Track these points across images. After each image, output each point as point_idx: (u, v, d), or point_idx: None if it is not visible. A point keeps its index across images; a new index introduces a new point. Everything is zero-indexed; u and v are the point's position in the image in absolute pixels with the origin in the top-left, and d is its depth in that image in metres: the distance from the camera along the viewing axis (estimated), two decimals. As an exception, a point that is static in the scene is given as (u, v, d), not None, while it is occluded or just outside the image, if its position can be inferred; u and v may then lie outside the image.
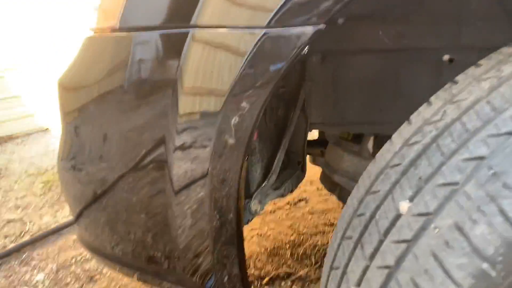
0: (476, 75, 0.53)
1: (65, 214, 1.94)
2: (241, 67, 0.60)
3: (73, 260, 1.59)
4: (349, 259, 0.55)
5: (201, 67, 0.65)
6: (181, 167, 0.73)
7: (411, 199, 0.48)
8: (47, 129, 3.22)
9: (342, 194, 1.27)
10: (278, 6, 0.55)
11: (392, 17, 0.91)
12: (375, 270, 0.49)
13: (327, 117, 1.07)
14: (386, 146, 0.59)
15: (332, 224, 1.72)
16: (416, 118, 0.57)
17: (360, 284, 0.51)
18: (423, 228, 0.45)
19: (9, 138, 3.01)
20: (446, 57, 0.92)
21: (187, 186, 0.75)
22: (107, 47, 0.80)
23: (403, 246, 0.46)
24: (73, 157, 0.96)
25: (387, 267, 0.47)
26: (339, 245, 0.59)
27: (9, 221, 1.91)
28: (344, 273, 0.56)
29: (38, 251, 1.66)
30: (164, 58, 0.70)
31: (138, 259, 0.95)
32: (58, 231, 1.77)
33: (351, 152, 1.19)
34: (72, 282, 1.47)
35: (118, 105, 0.80)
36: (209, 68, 0.64)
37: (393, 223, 0.49)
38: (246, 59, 0.59)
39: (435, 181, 0.46)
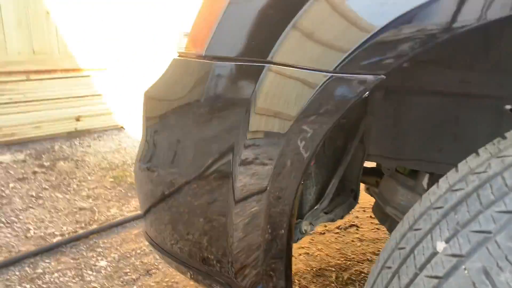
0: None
1: (130, 209, 2.10)
2: (308, 101, 0.68)
3: (133, 252, 1.74)
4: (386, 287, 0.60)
5: (274, 94, 0.74)
6: (244, 179, 0.82)
7: (447, 241, 0.53)
8: (121, 127, 3.47)
9: (392, 227, 1.30)
10: (343, 57, 0.62)
11: (457, 63, 0.95)
12: (408, 300, 0.54)
13: (385, 151, 1.12)
14: (433, 188, 0.64)
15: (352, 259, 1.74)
16: (463, 166, 0.62)
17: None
18: (454, 268, 0.50)
19: (88, 132, 3.29)
20: (508, 107, 0.94)
21: (246, 198, 0.84)
22: (191, 69, 0.92)
23: (435, 281, 0.51)
24: (149, 159, 1.08)
25: (418, 298, 0.52)
26: (379, 273, 0.65)
27: (81, 209, 2.10)
28: (380, 299, 0.61)
29: (103, 240, 1.83)
30: (242, 81, 0.80)
31: (193, 259, 1.05)
32: (123, 223, 1.93)
33: (405, 186, 1.22)
34: (131, 272, 1.61)
35: (194, 117, 0.91)
36: (280, 96, 0.73)
37: (428, 260, 0.54)
38: (313, 94, 0.67)
39: (470, 227, 0.51)
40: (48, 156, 2.80)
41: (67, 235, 1.84)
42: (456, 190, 0.58)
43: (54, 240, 1.79)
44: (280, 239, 0.85)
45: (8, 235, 1.83)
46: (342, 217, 1.17)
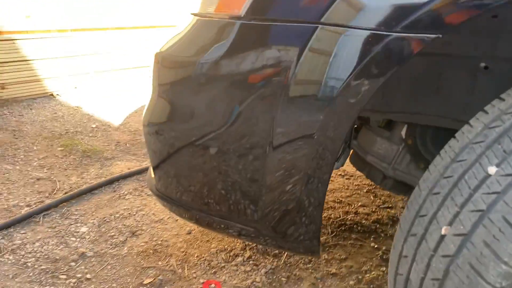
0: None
1: (91, 176, 2.06)
2: (366, 60, 0.79)
3: (112, 216, 1.74)
4: (438, 209, 0.76)
5: (324, 55, 0.84)
6: (290, 121, 0.91)
7: (497, 166, 0.69)
8: (51, 94, 3.26)
9: (372, 173, 1.48)
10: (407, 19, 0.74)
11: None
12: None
13: (376, 105, 1.27)
14: (466, 127, 0.80)
15: (340, 202, 1.94)
16: (491, 109, 0.78)
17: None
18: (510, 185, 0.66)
19: (15, 101, 3.04)
20: (482, 65, 1.14)
21: (287, 144, 0.93)
22: (225, 30, 0.96)
23: (494, 196, 0.67)
24: (173, 115, 1.12)
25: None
26: (424, 200, 0.80)
27: (38, 179, 2.01)
28: (432, 218, 0.76)
29: (75, 207, 1.79)
30: (289, 43, 0.88)
31: (214, 207, 1.14)
32: (91, 190, 1.90)
33: (383, 137, 1.41)
34: (116, 235, 1.62)
35: (231, 77, 0.97)
36: (332, 57, 0.83)
37: (483, 181, 0.70)
38: (371, 54, 0.79)
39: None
40: (-23, 126, 2.57)
41: (34, 206, 1.77)
42: (493, 127, 0.74)
43: (23, 211, 1.72)
44: (317, 186, 0.97)
45: (-34, 210, 1.71)
46: (343, 164, 1.33)
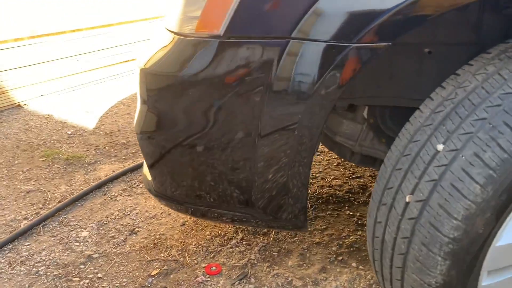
0: (472, 71, 0.93)
1: (79, 183, 2.16)
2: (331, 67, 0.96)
3: (108, 218, 1.86)
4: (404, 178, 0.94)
5: (296, 66, 1.00)
6: (275, 112, 1.07)
7: (444, 143, 0.88)
8: (19, 105, 3.27)
9: (341, 150, 1.67)
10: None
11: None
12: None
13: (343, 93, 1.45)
14: (417, 113, 0.98)
15: (315, 177, 2.14)
16: (436, 96, 0.96)
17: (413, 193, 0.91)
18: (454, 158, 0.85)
19: (-18, 116, 3.04)
20: (426, 50, 1.33)
21: (274, 133, 1.10)
22: (206, 48, 1.10)
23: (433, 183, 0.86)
24: (153, 129, 1.26)
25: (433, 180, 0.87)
26: (390, 175, 0.99)
27: (28, 192, 2.09)
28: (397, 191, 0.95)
29: (71, 214, 1.90)
30: (264, 57, 1.03)
31: (206, 199, 1.30)
32: (83, 196, 2.01)
33: (348, 118, 1.59)
34: (116, 235, 1.75)
35: (214, 89, 1.11)
36: (304, 67, 0.99)
37: (433, 157, 0.88)
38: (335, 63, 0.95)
39: (458, 131, 0.86)
40: (-48, 147, 2.58)
41: (31, 218, 1.87)
42: (438, 112, 0.93)
43: (22, 225, 1.81)
44: (301, 169, 1.14)
45: (-34, 231, 1.79)
46: (317, 149, 1.50)
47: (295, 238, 1.68)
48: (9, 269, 1.56)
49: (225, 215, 1.34)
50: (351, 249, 1.61)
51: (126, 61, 4.11)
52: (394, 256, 0.96)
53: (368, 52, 0.94)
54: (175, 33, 1.20)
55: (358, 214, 1.82)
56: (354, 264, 1.53)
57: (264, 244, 1.65)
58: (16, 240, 1.71)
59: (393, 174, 0.98)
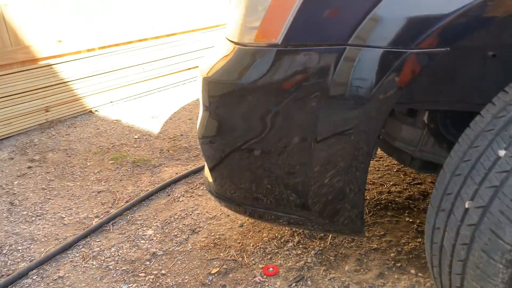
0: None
1: (145, 184, 2.29)
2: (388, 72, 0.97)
3: (171, 218, 1.96)
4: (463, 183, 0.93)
5: (353, 71, 1.02)
6: (332, 117, 1.09)
7: (506, 149, 0.86)
8: (91, 111, 3.51)
9: (400, 156, 1.65)
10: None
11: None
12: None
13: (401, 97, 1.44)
14: (478, 118, 0.96)
15: (373, 183, 2.12)
16: (498, 101, 0.94)
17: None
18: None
19: (59, 121, 3.30)
20: (490, 53, 1.29)
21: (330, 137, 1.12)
22: (264, 56, 1.15)
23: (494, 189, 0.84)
24: (214, 134, 1.32)
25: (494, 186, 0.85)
26: (449, 181, 0.97)
27: (99, 192, 2.25)
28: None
29: (138, 214, 2.02)
30: (321, 64, 1.06)
31: (264, 202, 1.34)
32: (149, 196, 2.13)
33: (408, 123, 1.57)
34: (179, 234, 1.84)
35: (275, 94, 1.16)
36: (361, 72, 1.01)
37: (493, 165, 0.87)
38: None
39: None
40: (33, 150, 2.83)
41: (102, 216, 2.01)
42: (500, 117, 0.91)
43: (94, 222, 1.96)
44: (358, 174, 1.15)
45: (46, 226, 1.96)
46: (376, 154, 1.50)
47: (352, 244, 1.68)
48: (83, 263, 1.70)
49: (281, 218, 1.37)
50: (410, 256, 1.59)
51: (189, 68, 4.27)
52: (453, 263, 0.95)
53: (426, 58, 0.94)
54: (235, 43, 1.26)
55: (418, 221, 1.78)
56: (413, 271, 1.50)
57: (320, 248, 1.67)
58: (88, 237, 1.85)
59: (453, 179, 0.97)
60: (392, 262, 1.56)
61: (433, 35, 0.92)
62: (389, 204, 1.91)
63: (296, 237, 1.74)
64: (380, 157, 2.32)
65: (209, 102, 1.33)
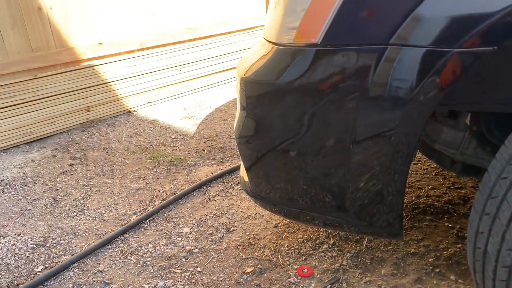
0: None
1: (181, 183, 2.33)
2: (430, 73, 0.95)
3: (207, 217, 1.99)
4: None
5: (395, 71, 1.00)
6: (371, 118, 1.08)
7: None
8: (129, 111, 3.61)
9: (441, 159, 1.61)
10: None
11: None
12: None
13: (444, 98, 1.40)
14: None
15: (411, 186, 2.07)
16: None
17: None
18: None
19: (99, 121, 3.41)
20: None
21: (372, 137, 1.10)
22: (304, 56, 1.15)
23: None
24: (251, 134, 1.33)
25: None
26: (494, 184, 0.94)
27: (137, 189, 2.31)
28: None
29: (174, 211, 2.06)
30: (362, 63, 1.05)
31: (299, 202, 1.33)
32: (185, 195, 2.17)
33: (448, 125, 1.53)
34: (214, 233, 1.86)
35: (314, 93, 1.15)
36: (402, 72, 0.99)
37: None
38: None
39: None
40: (75, 148, 2.93)
41: (140, 213, 2.06)
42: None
43: (132, 219, 2.01)
44: (397, 177, 1.13)
45: (87, 221, 2.03)
46: (415, 156, 1.47)
47: (389, 247, 1.65)
48: (121, 258, 1.74)
49: (317, 219, 1.37)
50: (450, 261, 1.54)
51: (224, 70, 4.32)
52: (498, 269, 0.92)
53: (471, 57, 0.92)
54: (274, 43, 1.27)
55: (458, 226, 1.73)
56: (452, 277, 1.46)
57: (356, 251, 1.65)
58: (127, 233, 1.90)
59: (498, 183, 0.94)
60: (431, 268, 1.52)
61: (478, 34, 0.90)
62: (428, 208, 1.87)
63: (331, 239, 1.73)
64: (418, 160, 2.27)
65: (247, 102, 1.34)
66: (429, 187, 2.03)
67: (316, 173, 1.27)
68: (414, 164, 2.25)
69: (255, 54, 1.40)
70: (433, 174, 2.15)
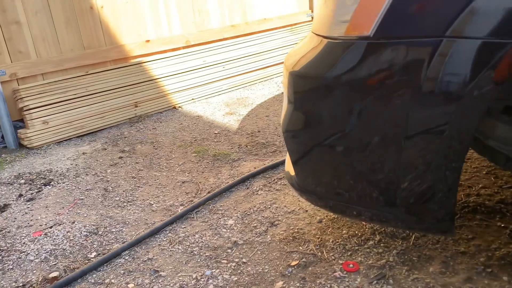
0: None
1: (225, 177, 2.37)
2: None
3: (251, 210, 2.01)
4: None
5: (449, 64, 0.99)
6: (423, 113, 1.07)
7: None
8: (174, 107, 3.70)
9: (494, 156, 1.56)
10: None
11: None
12: None
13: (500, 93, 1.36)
14: None
15: (460, 185, 2.02)
16: None
17: None
18: None
19: (146, 116, 3.52)
20: None
21: (424, 132, 1.09)
22: (356, 49, 1.15)
23: None
24: (298, 128, 1.34)
25: None
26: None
27: (183, 182, 2.37)
28: None
29: (219, 204, 2.10)
30: (416, 57, 1.04)
31: (347, 197, 1.33)
32: (229, 188, 2.21)
33: (503, 121, 1.48)
34: (258, 226, 1.89)
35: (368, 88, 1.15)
36: (458, 64, 0.97)
37: None
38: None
39: None
40: (123, 141, 3.04)
41: (186, 204, 2.12)
42: None
43: (179, 210, 2.07)
44: (450, 173, 1.11)
45: (136, 211, 2.10)
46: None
47: (437, 245, 1.62)
48: (170, 247, 1.80)
49: (363, 213, 1.36)
50: (502, 262, 1.50)
51: (266, 67, 4.35)
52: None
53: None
54: (324, 37, 1.28)
55: (511, 226, 1.67)
56: (505, 278, 1.42)
57: (403, 248, 1.62)
58: (174, 223, 1.96)
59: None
60: (482, 267, 1.48)
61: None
62: (478, 207, 1.82)
63: (377, 235, 1.71)
64: (468, 158, 2.21)
65: (294, 96, 1.36)
66: (480, 185, 1.97)
67: (363, 168, 1.26)
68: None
69: (303, 48, 1.41)
70: (484, 172, 2.08)
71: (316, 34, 1.35)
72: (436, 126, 1.07)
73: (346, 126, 1.23)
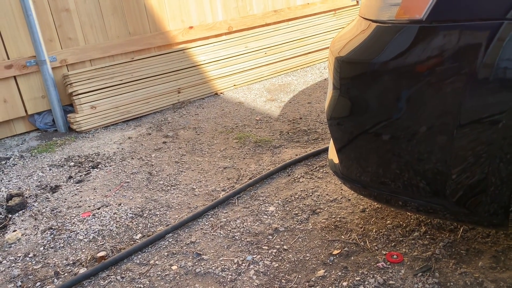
0: None
1: (266, 164, 2.37)
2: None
3: (292, 197, 2.01)
4: None
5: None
6: (479, 101, 1.02)
7: None
8: (216, 93, 3.73)
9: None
10: None
11: None
12: None
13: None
14: None
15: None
16: None
17: None
18: None
19: (189, 102, 3.56)
20: None
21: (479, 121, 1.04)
22: (408, 34, 1.10)
23: None
24: (344, 115, 1.30)
25: None
26: None
27: (225, 168, 2.39)
28: None
29: (260, 190, 2.11)
30: (473, 41, 0.98)
31: (397, 186, 1.29)
32: (270, 175, 2.20)
33: None
34: (300, 213, 1.88)
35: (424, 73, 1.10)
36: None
37: None
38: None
39: None
40: (167, 127, 3.10)
41: (228, 190, 2.14)
42: None
43: (221, 195, 2.09)
44: (505, 165, 1.05)
45: (179, 195, 2.15)
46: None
47: (487, 239, 1.56)
48: (212, 231, 1.83)
49: (409, 203, 1.32)
50: (558, 259, 1.42)
51: (308, 52, 4.29)
52: None
53: None
54: (372, 21, 1.23)
55: None
56: (562, 276, 1.35)
57: (450, 241, 1.57)
58: (216, 208, 1.99)
59: None
60: (536, 264, 1.41)
61: None
62: (533, 200, 1.72)
63: (423, 227, 1.66)
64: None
65: (340, 83, 1.33)
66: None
67: (410, 157, 1.22)
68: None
69: (350, 32, 1.38)
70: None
71: (364, 18, 1.31)
72: (492, 115, 1.02)
73: (393, 114, 1.20)
